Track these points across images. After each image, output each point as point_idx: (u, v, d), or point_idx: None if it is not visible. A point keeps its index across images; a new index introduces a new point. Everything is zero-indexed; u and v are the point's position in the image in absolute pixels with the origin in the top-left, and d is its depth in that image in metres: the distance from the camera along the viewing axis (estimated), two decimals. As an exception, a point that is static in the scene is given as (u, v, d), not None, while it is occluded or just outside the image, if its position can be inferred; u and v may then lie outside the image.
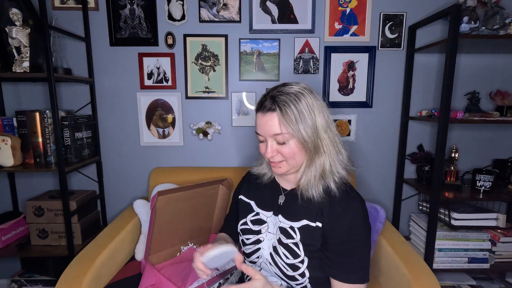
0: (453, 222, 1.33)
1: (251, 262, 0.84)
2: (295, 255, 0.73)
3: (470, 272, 1.50)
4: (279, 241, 0.76)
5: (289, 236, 0.74)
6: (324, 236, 0.72)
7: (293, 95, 0.68)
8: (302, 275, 0.72)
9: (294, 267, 0.73)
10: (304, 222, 0.74)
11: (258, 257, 0.81)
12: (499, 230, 1.39)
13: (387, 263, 1.12)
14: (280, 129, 0.68)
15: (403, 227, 1.64)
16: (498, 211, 1.38)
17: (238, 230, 0.86)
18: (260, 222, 0.82)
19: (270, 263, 0.77)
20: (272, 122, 0.69)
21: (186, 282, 1.01)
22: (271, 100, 0.70)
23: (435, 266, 1.35)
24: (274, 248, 0.76)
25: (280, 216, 0.78)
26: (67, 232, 1.27)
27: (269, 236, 0.79)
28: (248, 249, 0.82)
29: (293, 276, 0.73)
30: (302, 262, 0.72)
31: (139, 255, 1.24)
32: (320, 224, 0.72)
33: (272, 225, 0.80)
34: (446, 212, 1.35)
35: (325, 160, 0.72)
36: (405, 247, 1.12)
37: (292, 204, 0.78)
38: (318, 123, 0.69)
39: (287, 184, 0.82)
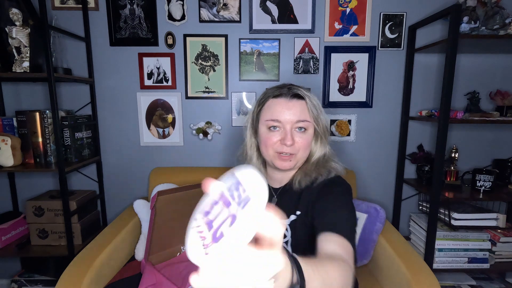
0: (453, 222, 1.33)
1: None
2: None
3: (470, 272, 1.50)
4: None
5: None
6: (311, 217, 0.71)
7: (309, 91, 0.75)
8: None
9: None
10: (292, 217, 0.75)
11: None
12: (499, 230, 1.39)
13: (387, 263, 1.12)
14: (306, 116, 0.73)
15: (403, 227, 1.64)
16: (498, 211, 1.38)
17: None
18: None
19: None
20: (299, 108, 0.72)
21: (186, 282, 1.01)
22: (292, 90, 0.74)
23: (435, 266, 1.35)
24: None
25: None
26: (67, 232, 1.27)
27: None
28: None
29: None
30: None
31: (139, 255, 1.24)
32: (299, 212, 0.74)
33: None
34: (446, 212, 1.35)
35: (327, 151, 0.78)
36: (405, 247, 1.12)
37: (282, 202, 0.80)
38: (326, 120, 0.77)
39: (276, 183, 0.83)
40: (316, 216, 0.69)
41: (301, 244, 0.73)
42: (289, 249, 0.73)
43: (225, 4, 1.45)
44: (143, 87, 1.52)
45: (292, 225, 0.74)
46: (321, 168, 0.75)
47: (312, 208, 0.71)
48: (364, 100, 1.53)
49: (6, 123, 1.34)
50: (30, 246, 1.37)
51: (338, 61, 1.50)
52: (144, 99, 1.53)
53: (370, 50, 1.49)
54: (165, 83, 1.52)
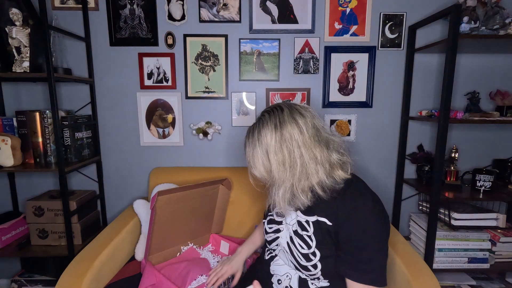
0: (453, 222, 1.33)
1: (271, 249, 0.91)
2: (308, 246, 0.78)
3: (470, 272, 1.50)
4: (295, 232, 0.82)
5: (304, 229, 0.80)
6: (335, 233, 0.74)
7: (256, 140, 0.78)
8: (314, 266, 0.76)
9: (307, 257, 0.77)
10: (315, 217, 0.78)
11: (277, 245, 0.87)
12: (499, 230, 1.39)
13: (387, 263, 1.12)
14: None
15: (403, 227, 1.64)
16: (498, 211, 1.38)
17: (267, 219, 0.94)
18: (282, 215, 0.89)
19: (286, 251, 0.84)
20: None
21: (186, 282, 1.01)
22: (246, 137, 0.84)
23: (435, 266, 1.35)
24: (291, 238, 0.82)
25: (298, 212, 0.83)
26: (67, 232, 1.27)
27: (287, 227, 0.85)
28: (269, 237, 0.90)
29: (306, 266, 0.78)
30: (314, 254, 0.76)
31: (139, 255, 1.24)
32: (326, 220, 0.76)
33: (290, 218, 0.86)
34: (446, 212, 1.35)
35: (288, 184, 0.76)
36: (405, 247, 1.12)
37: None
38: (272, 163, 0.75)
39: None
40: (344, 248, 0.72)
41: (324, 239, 0.76)
42: (312, 240, 0.77)
43: (225, 4, 1.45)
44: (143, 87, 1.52)
45: (316, 223, 0.78)
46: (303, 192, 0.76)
47: (339, 227, 0.73)
48: (364, 100, 1.53)
49: (6, 123, 1.34)
50: (30, 246, 1.37)
51: (338, 61, 1.50)
52: (144, 99, 1.53)
53: (370, 50, 1.49)
54: (165, 83, 1.52)
